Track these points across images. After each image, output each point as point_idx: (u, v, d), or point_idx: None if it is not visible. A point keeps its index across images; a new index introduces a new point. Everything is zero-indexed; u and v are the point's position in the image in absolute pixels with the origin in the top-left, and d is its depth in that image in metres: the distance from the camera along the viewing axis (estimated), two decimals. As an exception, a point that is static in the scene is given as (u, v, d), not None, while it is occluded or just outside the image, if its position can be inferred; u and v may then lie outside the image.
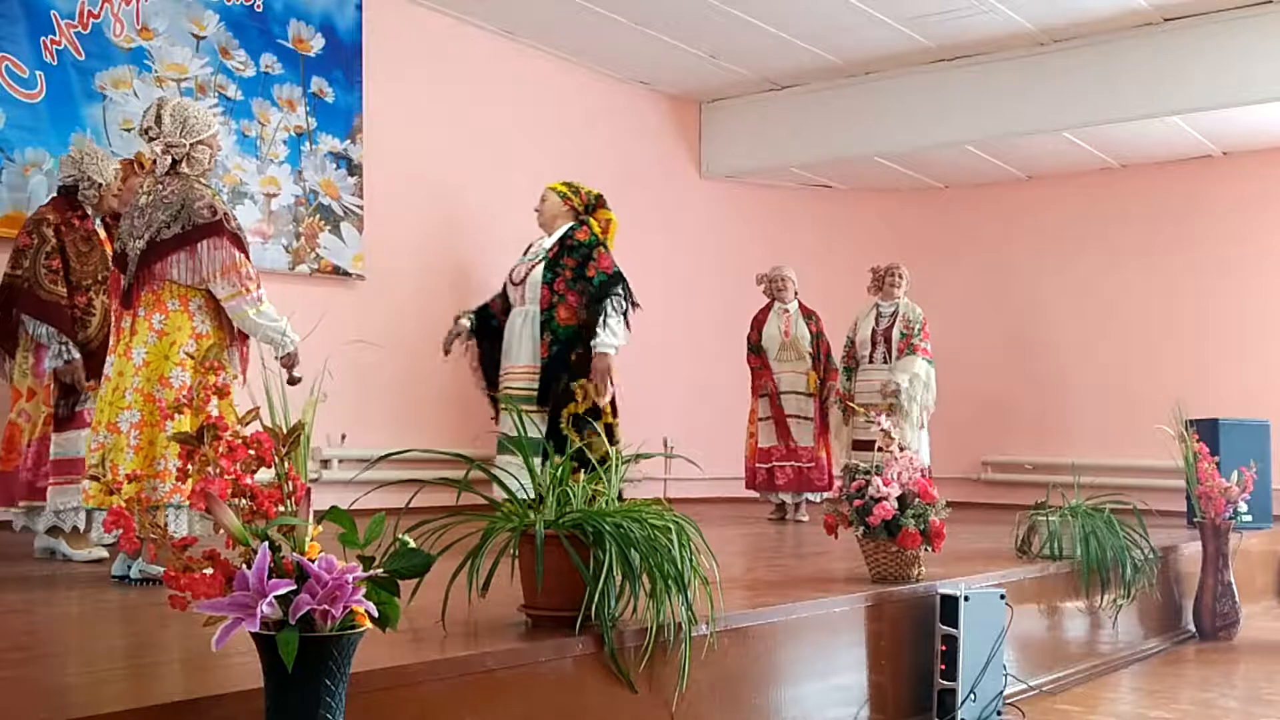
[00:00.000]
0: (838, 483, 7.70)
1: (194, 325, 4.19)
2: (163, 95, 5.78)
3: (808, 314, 8.13)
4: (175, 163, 4.27)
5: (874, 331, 7.89)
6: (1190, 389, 8.19)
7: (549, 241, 6.39)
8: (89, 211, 5.16)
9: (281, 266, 7.30)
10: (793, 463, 7.95)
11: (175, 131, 4.26)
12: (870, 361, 7.88)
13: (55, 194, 5.26)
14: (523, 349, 6.19)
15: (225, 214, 4.24)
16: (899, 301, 7.96)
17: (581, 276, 6.13)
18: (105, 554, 4.86)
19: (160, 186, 4.26)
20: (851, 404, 7.61)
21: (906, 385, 7.63)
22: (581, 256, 6.18)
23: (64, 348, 4.90)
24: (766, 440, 8.02)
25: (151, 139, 4.28)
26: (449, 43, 8.41)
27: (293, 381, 4.14)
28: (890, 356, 7.82)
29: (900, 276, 8.01)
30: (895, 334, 7.83)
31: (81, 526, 4.67)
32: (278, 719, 2.03)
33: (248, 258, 4.25)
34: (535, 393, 6.06)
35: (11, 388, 5.06)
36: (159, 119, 4.27)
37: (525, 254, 6.53)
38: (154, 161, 4.33)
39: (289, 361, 4.33)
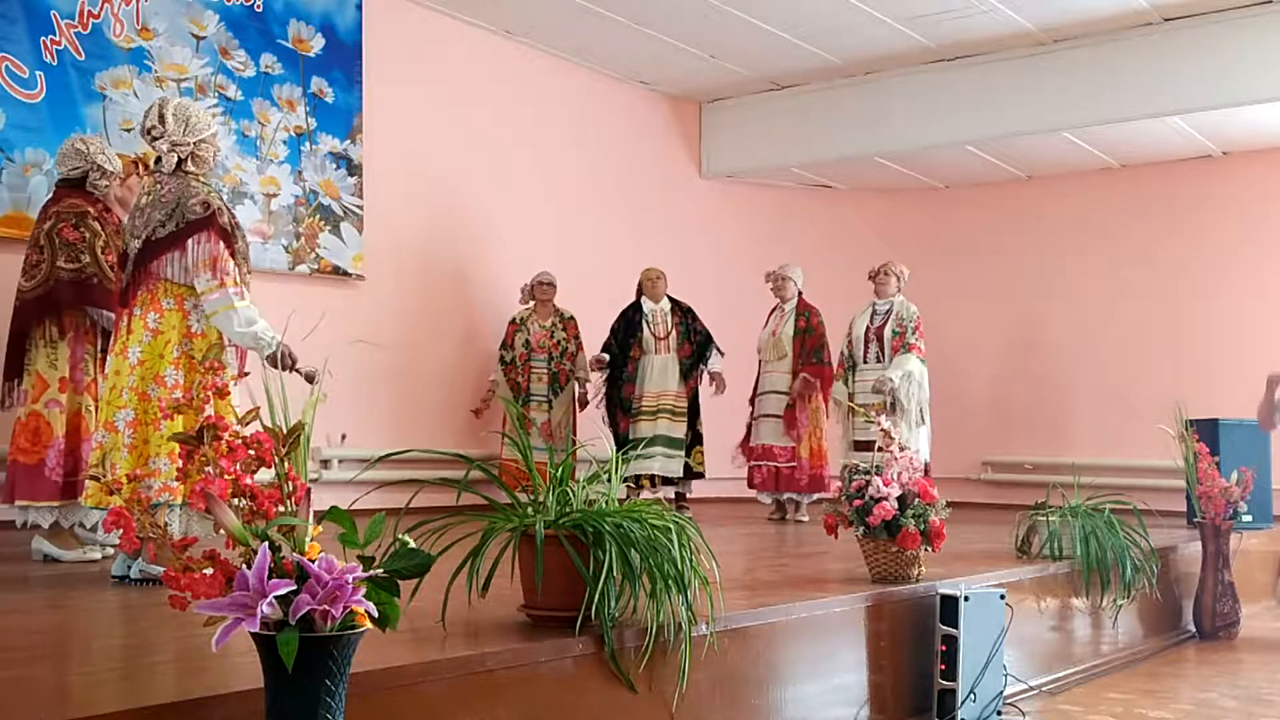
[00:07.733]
0: (836, 483, 7.67)
1: (189, 324, 4.18)
2: (164, 95, 5.75)
3: (802, 311, 8.08)
4: (181, 161, 4.27)
5: (867, 330, 7.81)
6: (1190, 389, 8.19)
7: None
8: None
9: (281, 266, 7.30)
10: (768, 462, 7.95)
11: (179, 130, 4.27)
12: (865, 361, 7.79)
13: (58, 186, 5.10)
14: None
15: (218, 209, 4.23)
16: (894, 300, 7.85)
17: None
18: (98, 555, 4.83)
19: (159, 186, 4.27)
20: (851, 404, 7.57)
21: (897, 383, 7.54)
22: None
23: None
24: (753, 439, 8.08)
25: (155, 138, 4.28)
26: (449, 43, 8.41)
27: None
28: (884, 355, 7.70)
29: (889, 273, 7.87)
30: (888, 332, 7.71)
31: None
32: (278, 719, 2.03)
33: (234, 254, 4.20)
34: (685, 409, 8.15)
35: (37, 378, 4.83)
36: (162, 118, 4.27)
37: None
38: (156, 161, 4.33)
39: (284, 361, 4.17)
